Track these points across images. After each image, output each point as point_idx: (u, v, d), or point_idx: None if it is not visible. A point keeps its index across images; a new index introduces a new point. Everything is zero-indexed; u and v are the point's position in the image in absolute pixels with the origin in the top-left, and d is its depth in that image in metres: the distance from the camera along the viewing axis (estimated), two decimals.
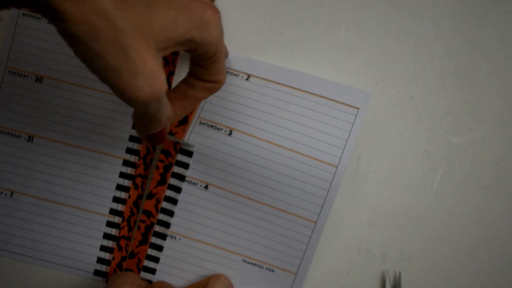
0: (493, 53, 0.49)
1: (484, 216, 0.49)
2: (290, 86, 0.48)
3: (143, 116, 0.37)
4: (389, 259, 0.49)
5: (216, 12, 0.38)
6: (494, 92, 0.49)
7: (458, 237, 0.49)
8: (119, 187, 0.49)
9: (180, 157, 0.48)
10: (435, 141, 0.49)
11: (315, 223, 0.48)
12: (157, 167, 0.49)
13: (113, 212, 0.49)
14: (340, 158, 0.48)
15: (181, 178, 0.49)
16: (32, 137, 0.49)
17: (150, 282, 0.49)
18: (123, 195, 0.49)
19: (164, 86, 0.34)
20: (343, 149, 0.48)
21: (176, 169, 0.49)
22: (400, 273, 0.49)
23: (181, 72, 0.49)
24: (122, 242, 0.49)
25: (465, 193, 0.49)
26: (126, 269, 0.49)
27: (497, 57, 0.49)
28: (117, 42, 0.32)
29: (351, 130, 0.47)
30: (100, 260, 0.49)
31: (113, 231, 0.49)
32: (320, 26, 0.49)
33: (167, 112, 0.37)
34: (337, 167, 0.48)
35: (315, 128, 0.48)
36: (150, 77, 0.33)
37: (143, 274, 0.49)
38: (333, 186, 0.48)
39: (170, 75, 0.48)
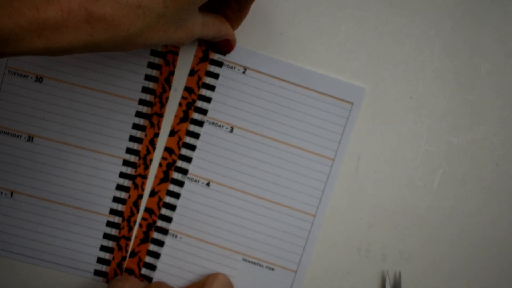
0: (493, 53, 0.49)
1: (484, 216, 0.49)
2: (285, 80, 0.49)
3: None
4: (389, 259, 0.49)
5: None
6: (494, 92, 0.49)
7: (458, 237, 0.49)
8: (119, 187, 0.49)
9: (184, 151, 0.49)
10: (435, 141, 0.49)
11: (314, 216, 0.49)
12: (160, 165, 0.49)
13: (113, 212, 0.49)
14: (336, 151, 0.49)
15: (184, 172, 0.49)
16: (32, 137, 0.49)
17: (150, 281, 0.49)
18: (123, 195, 0.49)
19: (190, 37, 0.41)
20: (339, 143, 0.49)
21: (180, 163, 0.49)
22: (400, 273, 0.49)
23: (181, 72, 0.49)
24: (122, 242, 0.49)
25: (465, 193, 0.49)
26: (127, 269, 0.49)
27: (497, 57, 0.49)
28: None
29: (345, 125, 0.49)
30: (100, 260, 0.49)
31: (113, 231, 0.49)
32: (320, 26, 0.49)
33: (212, 32, 0.44)
34: (333, 160, 0.49)
35: (311, 123, 0.49)
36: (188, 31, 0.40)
37: (144, 271, 0.49)
38: (330, 179, 0.49)
39: (170, 75, 0.49)
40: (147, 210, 0.49)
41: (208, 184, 0.49)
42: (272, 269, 0.49)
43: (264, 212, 0.49)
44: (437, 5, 0.49)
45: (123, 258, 0.49)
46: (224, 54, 0.48)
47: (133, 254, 0.49)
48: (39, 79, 0.48)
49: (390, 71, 0.49)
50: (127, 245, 0.49)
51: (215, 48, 0.48)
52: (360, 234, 0.49)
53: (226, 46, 0.47)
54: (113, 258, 0.49)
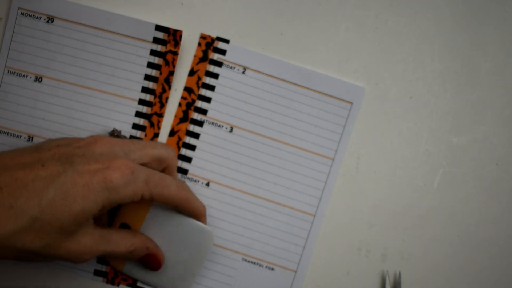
0: (493, 53, 0.49)
1: (484, 216, 0.49)
2: (285, 80, 0.49)
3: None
4: (389, 259, 0.49)
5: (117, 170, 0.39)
6: (494, 92, 0.49)
7: (458, 237, 0.49)
8: None
9: (184, 152, 0.49)
10: (435, 141, 0.49)
11: (314, 216, 0.49)
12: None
13: None
14: (336, 151, 0.49)
15: (184, 172, 0.49)
16: (32, 137, 0.49)
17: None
18: None
19: (84, 253, 0.39)
20: (338, 143, 0.49)
21: (179, 163, 0.49)
22: (400, 273, 0.49)
23: (181, 72, 0.49)
24: None
25: (465, 193, 0.49)
26: None
27: (497, 57, 0.49)
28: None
29: (345, 124, 0.49)
30: (100, 260, 0.49)
31: None
32: (320, 26, 0.49)
33: (122, 249, 0.42)
34: (333, 159, 0.49)
35: (310, 123, 0.49)
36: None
37: None
38: (330, 179, 0.49)
39: (169, 75, 0.48)
40: None
41: (208, 184, 0.49)
42: (272, 269, 0.49)
43: (264, 212, 0.49)
44: (437, 5, 0.49)
45: None
46: (153, 270, 0.46)
47: None
48: (38, 79, 0.48)
49: (390, 71, 0.49)
50: None
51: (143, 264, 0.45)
52: (360, 234, 0.49)
53: (150, 261, 0.45)
54: None
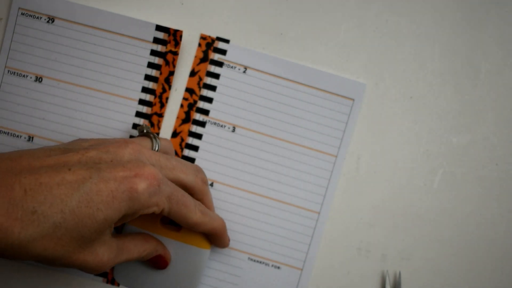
0: (493, 53, 0.49)
1: (484, 216, 0.49)
2: (286, 78, 0.49)
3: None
4: (389, 259, 0.50)
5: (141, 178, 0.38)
6: (494, 92, 0.49)
7: (458, 237, 0.49)
8: None
9: (187, 153, 0.49)
10: (435, 141, 0.49)
11: (318, 213, 0.49)
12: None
13: None
14: (339, 148, 0.49)
15: None
16: (32, 137, 0.48)
17: None
18: None
19: (101, 264, 0.38)
20: (341, 139, 0.49)
21: None
22: (400, 273, 0.49)
23: (182, 73, 0.49)
24: None
25: (465, 193, 0.49)
26: None
27: (497, 57, 0.49)
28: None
29: (347, 121, 0.49)
30: None
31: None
32: (320, 26, 0.49)
33: (135, 255, 0.43)
34: (336, 156, 0.49)
35: (313, 121, 0.49)
36: (87, 266, 0.38)
37: None
38: (333, 176, 0.49)
39: (170, 75, 0.48)
40: None
41: (211, 185, 0.49)
42: (278, 267, 0.49)
43: (269, 211, 0.49)
44: (437, 5, 0.49)
45: None
46: (159, 269, 0.47)
47: None
48: (38, 79, 0.48)
49: (390, 71, 0.49)
50: None
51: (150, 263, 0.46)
52: (360, 234, 0.50)
53: (158, 262, 0.46)
54: None
